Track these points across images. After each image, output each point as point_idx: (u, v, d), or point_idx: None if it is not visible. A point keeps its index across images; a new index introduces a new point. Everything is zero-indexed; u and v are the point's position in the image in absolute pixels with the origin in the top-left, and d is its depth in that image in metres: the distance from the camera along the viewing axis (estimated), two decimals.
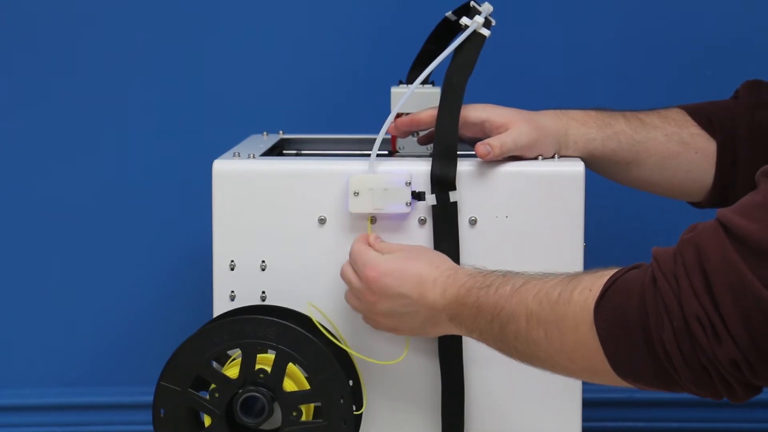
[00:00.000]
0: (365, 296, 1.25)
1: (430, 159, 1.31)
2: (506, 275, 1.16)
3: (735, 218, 0.96)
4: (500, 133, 1.33)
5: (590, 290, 1.05)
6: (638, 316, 1.00)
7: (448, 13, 1.39)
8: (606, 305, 1.03)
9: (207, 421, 1.26)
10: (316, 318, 1.30)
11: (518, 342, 1.12)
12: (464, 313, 1.17)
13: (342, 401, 1.24)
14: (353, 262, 1.27)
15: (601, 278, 1.05)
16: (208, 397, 1.25)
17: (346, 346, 1.30)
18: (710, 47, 1.80)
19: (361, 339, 1.31)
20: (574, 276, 1.09)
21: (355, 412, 1.25)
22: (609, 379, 1.05)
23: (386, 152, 1.40)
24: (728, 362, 0.96)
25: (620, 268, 1.05)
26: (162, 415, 1.26)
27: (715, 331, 0.95)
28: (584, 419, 1.36)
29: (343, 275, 1.28)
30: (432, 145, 1.36)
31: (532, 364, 1.14)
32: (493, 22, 1.33)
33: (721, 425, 1.84)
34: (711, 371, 0.97)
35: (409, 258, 1.25)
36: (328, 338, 1.27)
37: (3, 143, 1.83)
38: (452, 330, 1.22)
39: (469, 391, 1.34)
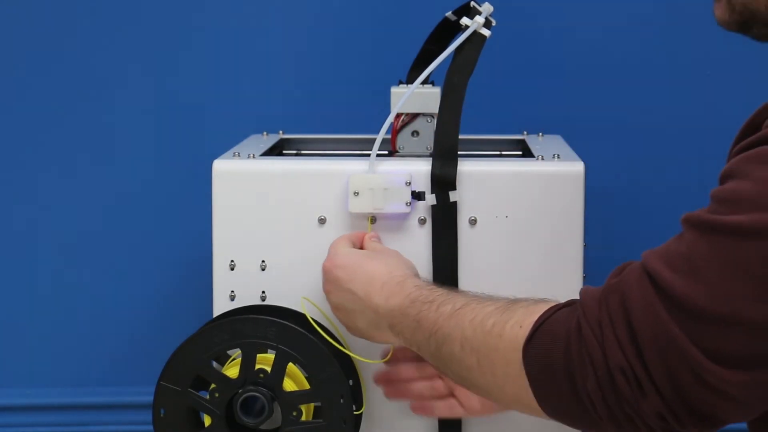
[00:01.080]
0: (323, 285, 1.26)
1: (430, 159, 1.31)
2: (450, 293, 1.16)
3: (660, 268, 0.94)
4: None
5: (521, 327, 1.04)
6: (563, 363, 0.99)
7: (449, 14, 1.39)
8: (534, 347, 1.02)
9: (207, 421, 1.26)
10: (312, 313, 1.29)
11: (452, 364, 1.11)
12: (404, 323, 1.17)
13: (342, 401, 1.24)
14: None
15: (532, 315, 1.04)
16: (208, 397, 1.25)
17: (341, 343, 1.30)
18: (710, 47, 1.80)
19: (359, 338, 1.31)
20: (510, 305, 1.08)
21: (355, 412, 1.25)
22: (539, 414, 1.04)
23: (386, 152, 1.40)
24: (653, 414, 0.95)
25: (552, 305, 1.04)
26: (162, 415, 1.26)
27: (639, 383, 0.94)
28: None
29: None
30: (432, 144, 1.36)
31: (467, 387, 1.14)
32: (494, 22, 1.33)
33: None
34: (636, 420, 0.96)
35: (369, 257, 1.25)
36: (324, 336, 1.27)
37: (2, 143, 1.83)
38: (392, 339, 1.21)
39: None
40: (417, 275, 1.24)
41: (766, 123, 0.96)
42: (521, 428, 1.34)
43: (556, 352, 1.00)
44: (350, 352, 1.30)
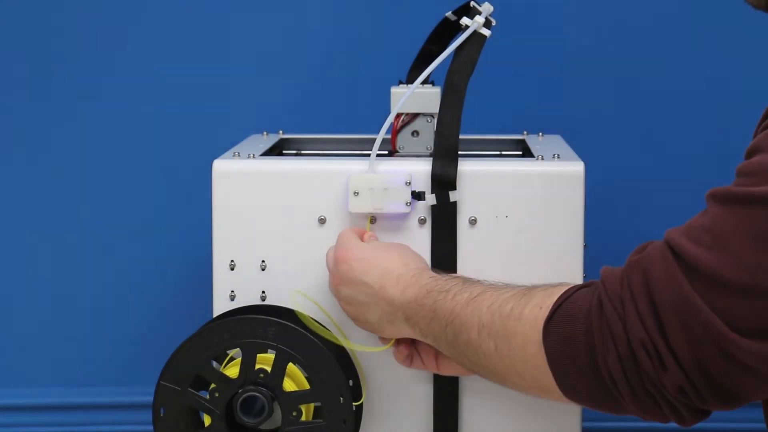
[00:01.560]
0: (332, 277, 1.25)
1: (431, 159, 1.31)
2: (466, 282, 1.16)
3: (684, 242, 0.95)
4: None
5: (540, 308, 1.04)
6: (584, 340, 0.99)
7: (449, 13, 1.39)
8: (554, 327, 1.02)
9: (207, 420, 1.26)
10: (308, 308, 1.29)
11: (469, 352, 1.11)
12: (420, 314, 1.17)
13: (342, 401, 1.24)
14: (335, 243, 1.27)
15: (551, 296, 1.04)
16: (208, 396, 1.25)
17: (338, 336, 1.30)
18: (710, 47, 1.80)
19: (360, 333, 1.30)
20: (528, 290, 1.08)
21: (354, 403, 1.25)
22: (558, 397, 1.04)
23: (386, 152, 1.40)
24: (674, 388, 0.95)
25: (571, 286, 1.05)
26: (162, 415, 1.26)
27: (660, 357, 0.95)
28: (584, 419, 1.36)
29: (326, 258, 1.29)
30: (432, 144, 1.36)
31: (484, 375, 1.13)
32: (494, 22, 1.33)
33: (721, 425, 1.84)
34: (657, 397, 0.96)
35: (382, 250, 1.24)
36: (322, 330, 1.28)
37: (3, 142, 1.83)
38: (406, 331, 1.20)
39: (464, 382, 1.33)
40: (429, 267, 1.24)
41: None
42: (517, 421, 1.34)
43: (576, 329, 0.99)
44: (349, 343, 1.30)
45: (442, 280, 1.18)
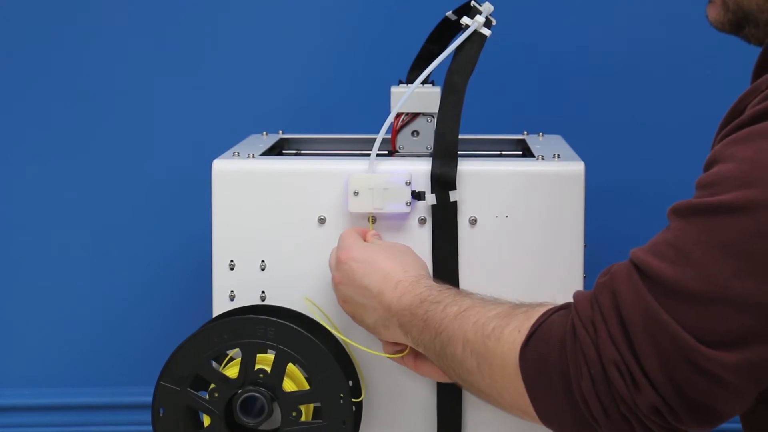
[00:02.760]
0: (333, 276, 1.26)
1: (431, 159, 1.31)
2: (458, 294, 1.16)
3: (648, 259, 0.95)
4: None
5: (519, 331, 1.04)
6: (558, 364, 0.99)
7: (449, 13, 1.39)
8: (530, 351, 1.02)
9: (206, 420, 1.26)
10: (315, 314, 1.30)
11: (455, 365, 1.12)
12: (413, 323, 1.17)
13: (342, 401, 1.24)
14: (338, 243, 1.27)
15: (530, 319, 1.04)
16: (207, 396, 1.25)
17: (348, 340, 1.30)
18: (710, 47, 1.79)
19: (361, 337, 1.31)
20: (511, 310, 1.08)
21: (354, 400, 1.25)
22: (535, 419, 1.04)
23: (386, 152, 1.40)
24: (649, 409, 0.94)
25: (549, 308, 1.05)
26: (161, 415, 1.26)
27: (633, 377, 0.94)
28: None
29: (329, 257, 1.29)
30: (432, 144, 1.36)
31: (468, 390, 1.14)
32: (494, 22, 1.33)
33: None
34: (631, 419, 0.96)
35: (384, 253, 1.24)
36: (328, 332, 1.28)
37: (2, 142, 1.83)
38: (400, 337, 1.21)
39: None
40: (429, 275, 1.24)
41: (748, 108, 0.96)
42: (519, 423, 1.34)
43: (551, 354, 1.00)
44: (356, 344, 1.30)
45: (436, 290, 1.18)
